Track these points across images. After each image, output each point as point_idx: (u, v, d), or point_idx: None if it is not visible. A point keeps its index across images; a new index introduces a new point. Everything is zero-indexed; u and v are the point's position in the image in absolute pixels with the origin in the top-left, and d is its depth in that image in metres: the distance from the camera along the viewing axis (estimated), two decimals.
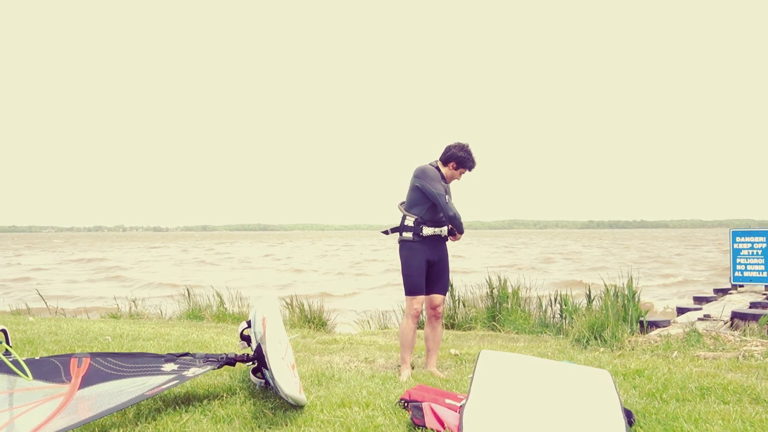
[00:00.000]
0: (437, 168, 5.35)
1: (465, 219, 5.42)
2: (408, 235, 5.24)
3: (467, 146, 5.36)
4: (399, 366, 5.52)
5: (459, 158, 5.32)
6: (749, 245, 11.65)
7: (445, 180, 5.36)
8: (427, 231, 5.21)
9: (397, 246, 5.38)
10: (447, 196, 5.21)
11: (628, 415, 3.65)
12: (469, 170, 5.43)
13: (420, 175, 5.22)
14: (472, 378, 3.94)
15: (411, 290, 5.23)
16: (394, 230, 5.36)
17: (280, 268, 37.61)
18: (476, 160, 5.39)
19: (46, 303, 12.41)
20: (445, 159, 5.36)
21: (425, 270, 5.26)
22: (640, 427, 3.63)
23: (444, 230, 5.29)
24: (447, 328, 9.35)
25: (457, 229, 5.29)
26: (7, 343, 4.40)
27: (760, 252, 11.52)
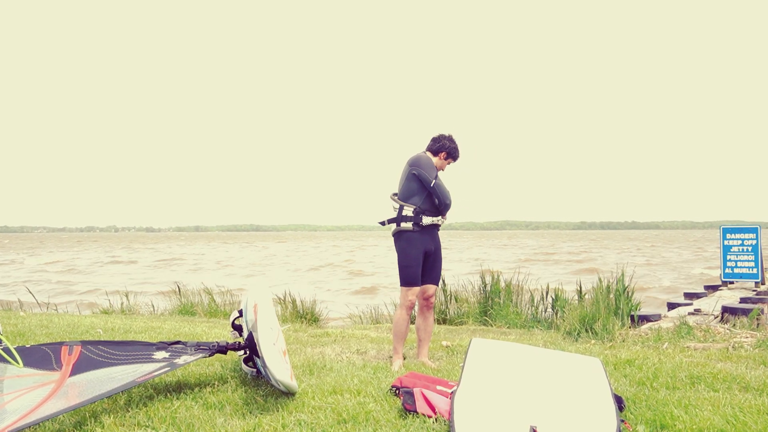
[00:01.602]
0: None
1: (457, 220, 5.45)
2: (407, 225, 5.20)
3: (453, 137, 5.48)
4: (391, 357, 5.52)
5: (450, 149, 5.40)
6: (739, 242, 11.71)
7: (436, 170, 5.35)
8: (426, 220, 5.21)
9: (392, 238, 5.36)
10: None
11: (619, 401, 3.67)
12: (454, 161, 5.52)
13: (415, 163, 5.23)
14: (463, 365, 3.95)
15: (407, 281, 5.21)
16: (391, 221, 5.32)
17: (254, 269, 36.96)
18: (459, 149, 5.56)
19: (36, 299, 12.36)
20: (436, 149, 5.41)
21: (422, 261, 5.25)
22: (631, 413, 3.65)
23: (440, 219, 5.30)
24: (439, 323, 9.37)
25: (442, 213, 5.32)
26: None
27: (750, 249, 11.58)
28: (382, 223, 5.38)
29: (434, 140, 5.42)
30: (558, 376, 3.88)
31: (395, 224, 5.27)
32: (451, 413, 3.36)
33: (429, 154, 5.41)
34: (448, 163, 5.49)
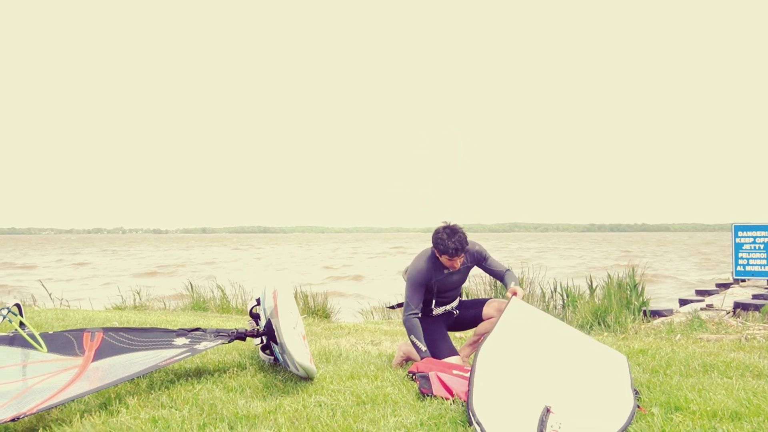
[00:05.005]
0: (435, 255, 4.59)
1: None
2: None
3: (443, 228, 4.50)
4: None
5: (436, 244, 4.54)
6: (751, 239, 11.68)
7: (446, 267, 4.59)
8: (438, 311, 4.75)
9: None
10: (417, 302, 4.52)
11: (635, 393, 3.73)
12: (449, 255, 4.43)
13: (406, 283, 4.63)
14: (497, 319, 4.05)
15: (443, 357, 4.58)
16: (400, 305, 4.82)
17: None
18: (453, 242, 4.40)
19: (50, 295, 12.47)
20: (432, 245, 4.62)
21: (446, 332, 4.75)
22: (645, 397, 3.70)
23: (455, 304, 4.82)
24: None
25: (408, 332, 4.53)
26: (21, 316, 4.49)
27: (762, 246, 11.55)
28: (392, 308, 4.97)
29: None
30: (581, 360, 3.94)
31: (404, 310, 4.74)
32: (473, 365, 3.44)
33: (435, 252, 4.59)
34: (448, 259, 4.47)
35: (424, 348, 4.42)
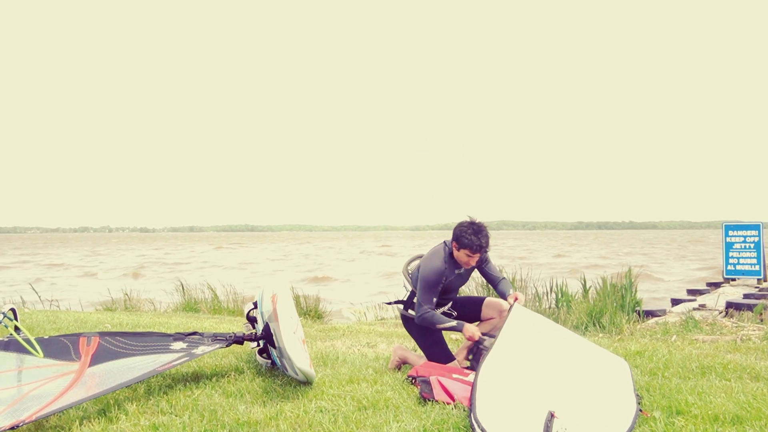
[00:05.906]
0: (450, 254, 4.51)
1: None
2: (414, 314, 4.56)
3: (468, 223, 4.43)
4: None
5: (458, 237, 4.44)
6: (742, 239, 11.78)
7: (458, 266, 4.53)
8: (438, 311, 4.58)
9: (401, 317, 4.82)
10: (431, 302, 4.37)
11: (637, 397, 3.74)
12: (472, 251, 4.37)
13: (421, 279, 4.42)
14: (501, 326, 4.02)
15: (442, 362, 4.54)
16: (398, 302, 4.73)
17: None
18: (478, 237, 4.35)
19: (39, 297, 12.36)
20: (453, 238, 4.53)
21: (442, 337, 4.65)
22: (645, 401, 3.71)
23: (450, 305, 4.68)
24: None
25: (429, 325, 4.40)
26: (16, 320, 4.43)
27: (752, 245, 11.65)
28: (388, 303, 4.89)
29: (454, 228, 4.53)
30: (584, 365, 3.94)
31: (402, 307, 4.71)
32: (476, 372, 3.43)
33: (454, 247, 4.50)
34: (468, 254, 4.40)
35: (455, 322, 4.32)
